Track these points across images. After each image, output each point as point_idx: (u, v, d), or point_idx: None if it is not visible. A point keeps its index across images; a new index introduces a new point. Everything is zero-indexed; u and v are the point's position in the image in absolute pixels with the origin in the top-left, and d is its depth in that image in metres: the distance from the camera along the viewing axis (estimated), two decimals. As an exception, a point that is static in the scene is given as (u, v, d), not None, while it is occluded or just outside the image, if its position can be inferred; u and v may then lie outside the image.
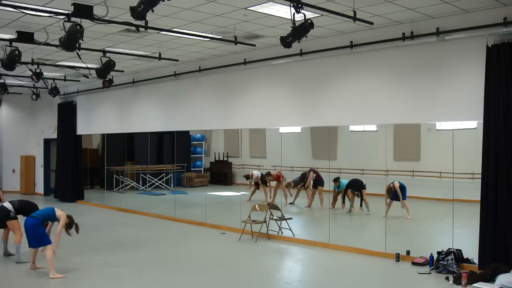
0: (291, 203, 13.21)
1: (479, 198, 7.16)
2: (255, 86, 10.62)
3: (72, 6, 6.78)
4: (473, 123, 8.42)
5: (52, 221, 7.72)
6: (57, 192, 16.56)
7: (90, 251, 8.96)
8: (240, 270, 7.80)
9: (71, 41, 6.95)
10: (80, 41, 7.10)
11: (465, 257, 7.48)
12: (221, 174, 17.88)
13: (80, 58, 8.85)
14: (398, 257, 7.99)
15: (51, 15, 7.05)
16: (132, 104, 14.01)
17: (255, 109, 10.57)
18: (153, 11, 5.87)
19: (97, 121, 15.56)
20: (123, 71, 13.02)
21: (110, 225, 11.91)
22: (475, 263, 7.26)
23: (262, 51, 10.22)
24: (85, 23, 7.09)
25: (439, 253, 7.43)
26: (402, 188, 10.75)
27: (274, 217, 9.96)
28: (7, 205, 8.15)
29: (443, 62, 7.69)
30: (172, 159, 17.48)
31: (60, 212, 7.57)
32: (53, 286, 6.95)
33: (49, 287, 6.93)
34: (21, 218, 7.84)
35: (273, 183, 13.76)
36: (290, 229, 9.87)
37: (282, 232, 9.95)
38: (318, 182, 12.62)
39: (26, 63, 10.64)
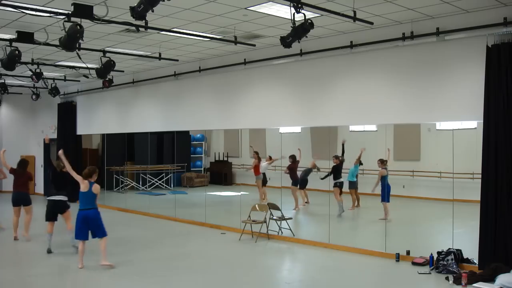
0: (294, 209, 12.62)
1: (479, 198, 7.16)
2: (255, 86, 10.62)
3: (72, 6, 6.78)
4: (473, 123, 8.42)
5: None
6: (57, 192, 16.56)
7: (89, 251, 8.95)
8: (240, 270, 7.80)
9: (71, 41, 6.95)
10: (80, 41, 7.10)
11: (465, 257, 7.48)
12: (221, 174, 17.86)
13: (80, 58, 8.85)
14: (398, 257, 8.00)
15: (51, 15, 7.06)
16: (132, 104, 14.02)
17: (255, 109, 10.57)
18: (153, 11, 5.88)
19: (97, 121, 15.56)
20: (123, 71, 13.02)
21: (110, 225, 11.76)
22: (475, 263, 7.26)
23: (262, 51, 10.22)
24: (85, 23, 7.09)
25: (439, 253, 7.43)
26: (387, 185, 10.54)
27: (274, 217, 9.96)
28: (60, 197, 8.66)
29: (443, 62, 7.69)
30: (172, 159, 17.46)
31: (95, 187, 7.53)
32: (54, 285, 6.96)
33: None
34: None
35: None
36: (290, 229, 9.87)
37: (282, 232, 9.95)
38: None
39: (26, 63, 10.64)
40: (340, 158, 11.52)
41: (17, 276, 7.39)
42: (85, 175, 7.51)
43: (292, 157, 12.34)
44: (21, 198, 9.80)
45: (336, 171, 11.49)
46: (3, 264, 8.09)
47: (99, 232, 7.56)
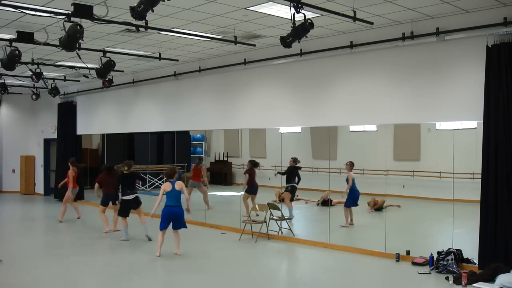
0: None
1: (479, 198, 7.16)
2: (255, 86, 10.62)
3: (72, 6, 6.78)
4: (473, 123, 8.42)
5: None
6: (57, 192, 16.55)
7: (90, 251, 8.97)
8: (240, 270, 7.80)
9: (71, 41, 6.95)
10: (80, 41, 7.11)
11: (465, 257, 7.48)
12: (221, 174, 17.84)
13: (80, 58, 8.85)
14: (398, 257, 8.00)
15: (51, 15, 7.05)
16: (132, 104, 14.02)
17: (255, 109, 10.57)
18: (153, 11, 5.88)
19: (97, 121, 15.56)
20: (123, 71, 13.02)
21: (110, 225, 11.89)
22: (475, 263, 7.26)
23: (262, 51, 10.22)
24: (85, 23, 7.09)
25: (439, 253, 7.43)
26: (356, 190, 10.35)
27: (274, 217, 9.96)
28: (133, 196, 9.74)
29: (443, 62, 7.69)
30: (172, 159, 17.46)
31: (178, 185, 8.32)
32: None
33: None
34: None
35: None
36: (290, 229, 9.87)
37: (282, 232, 9.95)
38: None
39: (26, 63, 10.64)
40: (297, 163, 11.04)
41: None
42: (166, 175, 8.43)
43: (251, 163, 11.72)
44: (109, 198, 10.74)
45: (289, 174, 11.10)
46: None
47: (180, 225, 8.36)
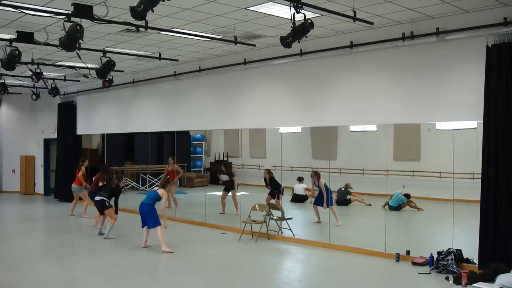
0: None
1: (479, 198, 7.16)
2: (255, 86, 10.63)
3: (72, 6, 6.78)
4: (473, 123, 8.42)
5: (158, 201, 8.91)
6: (57, 192, 16.57)
7: (90, 251, 8.97)
8: (240, 270, 7.80)
9: (71, 41, 6.95)
10: (80, 41, 7.11)
11: (465, 257, 7.48)
12: (221, 174, 17.81)
13: (80, 58, 8.84)
14: (398, 257, 8.00)
15: (51, 15, 7.05)
16: (132, 104, 14.02)
17: (255, 109, 10.57)
18: (153, 11, 5.87)
19: (97, 121, 15.57)
20: (123, 71, 13.02)
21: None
22: (475, 263, 7.26)
23: (262, 51, 10.22)
24: (85, 23, 7.09)
25: (439, 253, 7.43)
26: (328, 190, 10.39)
27: (274, 217, 9.96)
28: (101, 198, 9.97)
29: (443, 62, 7.69)
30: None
31: (161, 191, 8.86)
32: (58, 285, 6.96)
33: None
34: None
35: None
36: (290, 229, 9.87)
37: (282, 232, 9.95)
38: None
39: (26, 63, 10.63)
40: (270, 174, 11.20)
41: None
42: (161, 184, 9.17)
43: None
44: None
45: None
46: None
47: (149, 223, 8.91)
